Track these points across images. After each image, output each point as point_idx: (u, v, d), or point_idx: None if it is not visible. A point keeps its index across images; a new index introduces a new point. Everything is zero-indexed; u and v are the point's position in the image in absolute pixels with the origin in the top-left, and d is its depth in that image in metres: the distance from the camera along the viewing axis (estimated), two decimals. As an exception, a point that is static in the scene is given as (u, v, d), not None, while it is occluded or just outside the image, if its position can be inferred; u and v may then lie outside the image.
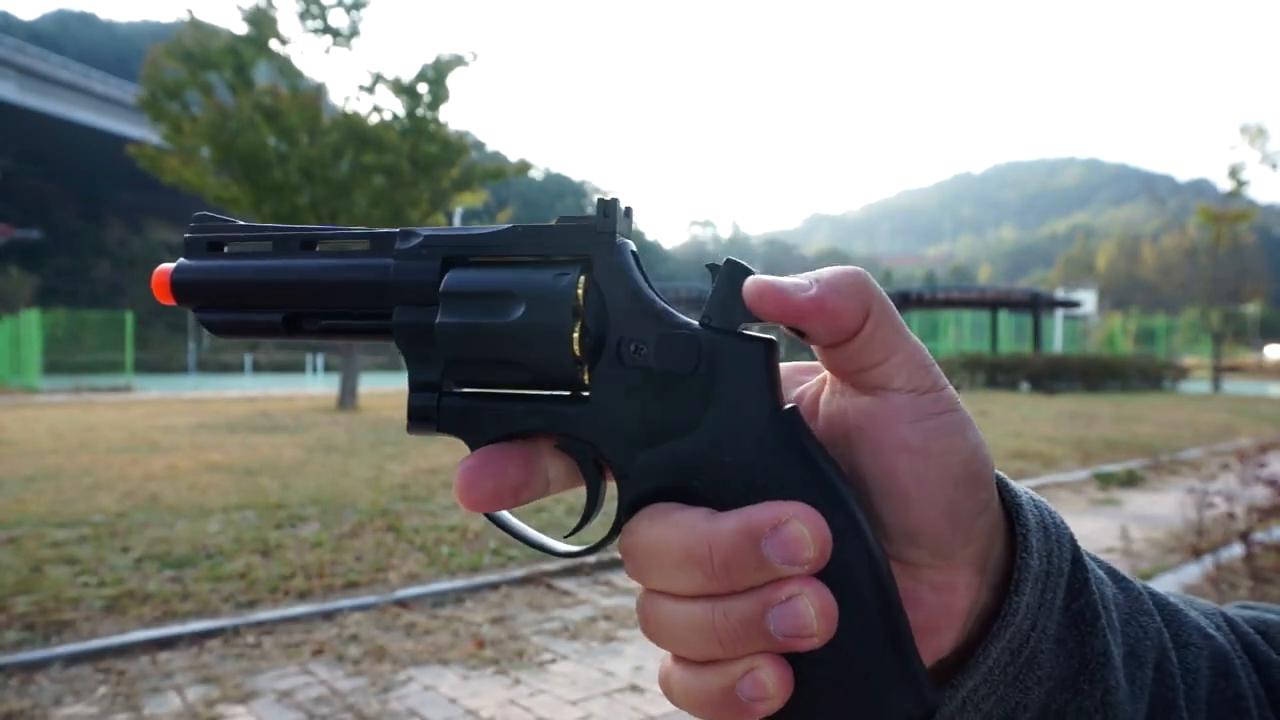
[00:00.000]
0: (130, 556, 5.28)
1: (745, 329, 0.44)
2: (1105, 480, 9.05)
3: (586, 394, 0.45)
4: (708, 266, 0.45)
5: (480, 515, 0.51)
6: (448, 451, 9.13)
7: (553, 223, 0.47)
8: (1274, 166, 32.79)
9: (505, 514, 0.49)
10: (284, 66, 16.56)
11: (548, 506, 6.45)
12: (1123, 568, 0.54)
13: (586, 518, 0.49)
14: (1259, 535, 5.25)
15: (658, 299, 0.45)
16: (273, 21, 16.12)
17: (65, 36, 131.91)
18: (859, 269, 0.43)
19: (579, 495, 0.48)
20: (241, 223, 0.54)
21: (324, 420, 13.90)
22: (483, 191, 18.62)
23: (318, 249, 0.52)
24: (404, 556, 5.48)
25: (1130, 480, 9.18)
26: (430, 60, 16.86)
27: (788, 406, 0.44)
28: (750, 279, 0.42)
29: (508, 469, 0.46)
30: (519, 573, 5.19)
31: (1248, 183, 32.67)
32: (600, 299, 0.45)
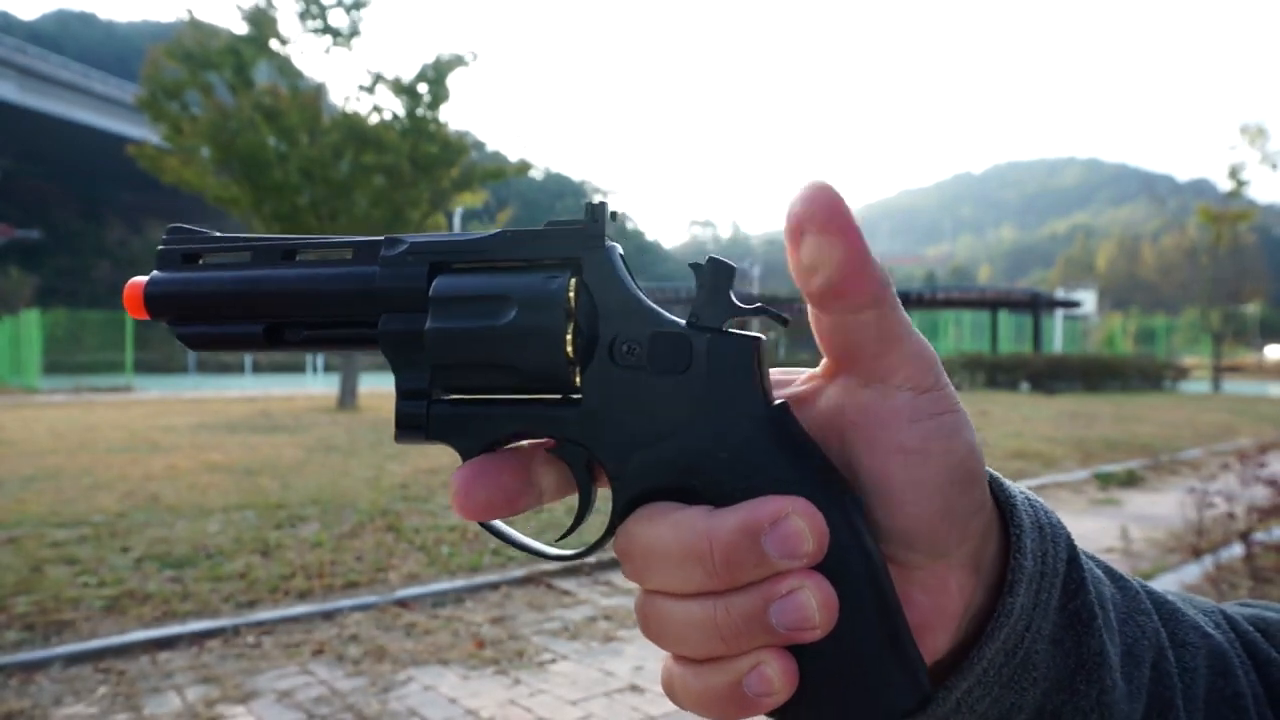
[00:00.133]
0: (130, 556, 5.28)
1: (731, 326, 0.44)
2: (1105, 480, 9.05)
3: (577, 396, 0.46)
4: (691, 266, 0.45)
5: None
6: (447, 452, 9.02)
7: (541, 227, 0.47)
8: (1274, 166, 32.78)
9: (498, 520, 0.48)
10: (284, 66, 16.55)
11: (548, 505, 6.44)
12: (1123, 568, 0.54)
13: (579, 520, 0.49)
14: (1259, 535, 5.25)
15: (646, 300, 0.45)
16: (273, 21, 16.11)
17: (65, 36, 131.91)
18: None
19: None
20: (217, 234, 0.54)
21: (324, 420, 13.90)
22: (483, 191, 18.61)
23: (298, 259, 0.52)
24: (404, 556, 5.49)
25: (1130, 480, 9.18)
26: (430, 60, 16.85)
27: (777, 402, 0.44)
28: (814, 191, 0.41)
29: (503, 478, 0.46)
30: (519, 573, 5.19)
31: (1248, 183, 32.66)
32: (591, 301, 0.45)
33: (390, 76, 16.83)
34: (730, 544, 0.40)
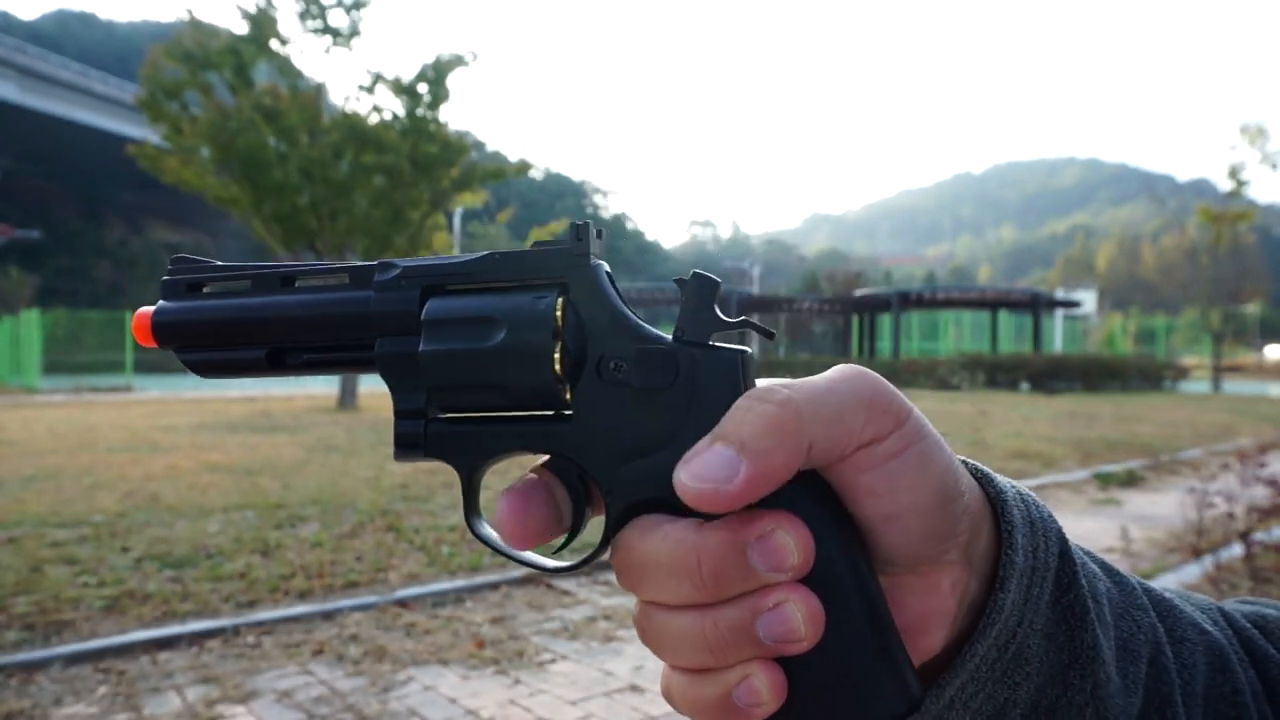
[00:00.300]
0: (130, 556, 5.28)
1: (717, 340, 0.45)
2: (1105, 480, 9.05)
3: (569, 412, 0.47)
4: (676, 281, 0.46)
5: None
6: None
7: (529, 248, 0.49)
8: (1274, 166, 32.76)
9: (495, 534, 0.50)
10: (284, 66, 16.56)
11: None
12: (1122, 568, 0.54)
13: (574, 533, 0.50)
14: (1259, 535, 5.25)
15: (633, 316, 0.47)
16: (273, 21, 16.12)
17: (65, 36, 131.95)
18: (782, 405, 0.41)
19: None
20: (219, 263, 0.56)
21: (324, 420, 13.90)
22: (483, 191, 18.63)
23: (297, 285, 0.53)
24: (404, 556, 5.49)
25: (1130, 480, 9.19)
26: (430, 60, 16.87)
27: None
28: (680, 488, 0.41)
29: (542, 508, 0.47)
30: (519, 573, 5.19)
31: (1248, 183, 32.66)
32: (578, 319, 0.47)
33: (390, 76, 16.85)
34: (718, 557, 0.41)
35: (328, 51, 17.19)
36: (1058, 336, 40.29)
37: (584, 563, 0.49)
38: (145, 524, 6.05)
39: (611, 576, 5.27)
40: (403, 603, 4.73)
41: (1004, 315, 36.50)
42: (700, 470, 0.40)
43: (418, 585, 4.98)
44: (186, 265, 0.56)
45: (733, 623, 0.41)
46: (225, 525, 6.08)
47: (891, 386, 0.43)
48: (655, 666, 3.84)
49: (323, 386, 25.78)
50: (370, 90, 16.91)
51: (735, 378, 0.44)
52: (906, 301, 34.74)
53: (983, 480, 0.48)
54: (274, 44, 16.32)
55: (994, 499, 0.47)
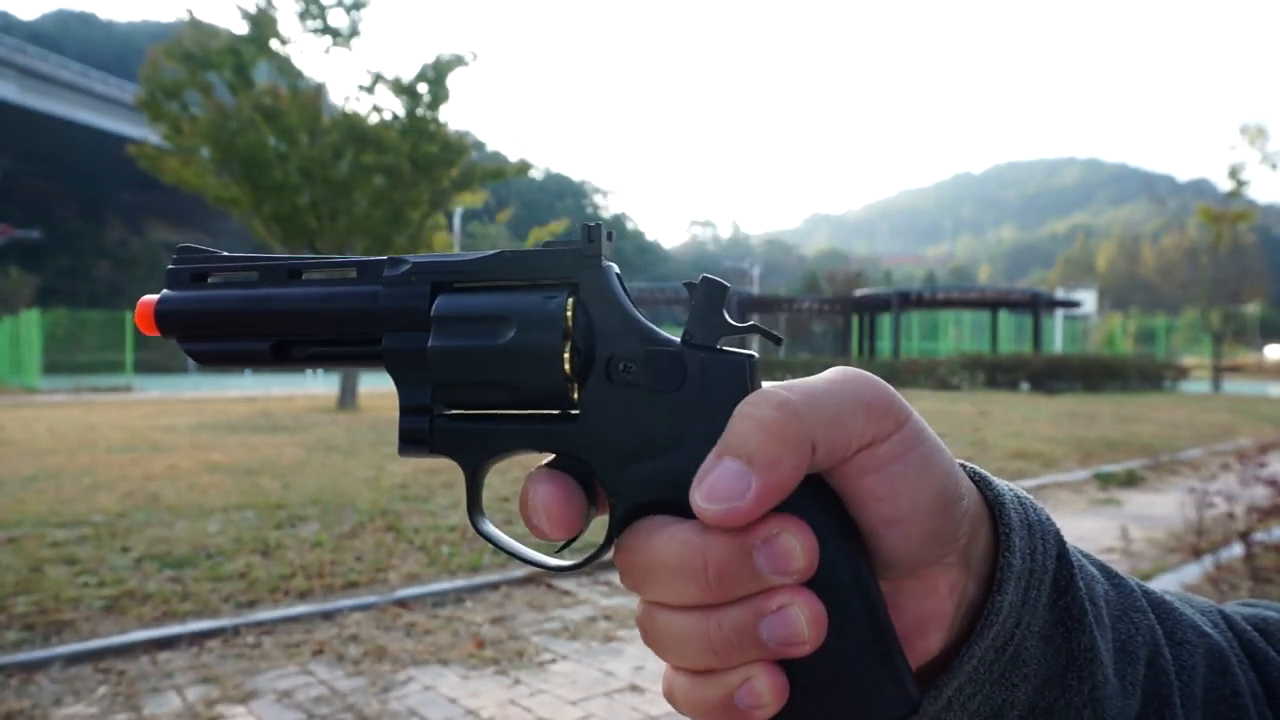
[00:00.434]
0: (130, 556, 5.28)
1: (725, 344, 0.46)
2: (1105, 480, 9.06)
3: (575, 412, 0.47)
4: (685, 285, 0.47)
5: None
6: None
7: (539, 247, 0.49)
8: (1274, 166, 32.76)
9: (498, 531, 0.50)
10: (284, 66, 16.56)
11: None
12: (1122, 568, 0.54)
13: (577, 532, 0.50)
14: (1259, 535, 5.25)
15: (642, 319, 0.47)
16: (273, 21, 16.12)
17: (65, 36, 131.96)
18: (781, 407, 0.41)
19: None
20: (225, 254, 0.55)
21: (324, 420, 13.90)
22: (483, 191, 18.64)
23: (303, 278, 0.53)
24: (404, 556, 5.49)
25: (1130, 480, 9.19)
26: (430, 60, 16.87)
27: None
28: (698, 511, 0.41)
29: (579, 493, 0.47)
30: (519, 573, 5.19)
31: (1248, 183, 32.66)
32: (588, 320, 0.47)
33: (390, 76, 16.84)
34: (724, 559, 0.41)
35: (328, 51, 17.20)
36: (1058, 336, 40.29)
37: (587, 562, 0.49)
38: (145, 524, 6.05)
39: (612, 576, 5.27)
40: (403, 603, 4.73)
41: (1004, 315, 36.50)
42: (713, 490, 0.40)
43: (418, 585, 4.98)
44: (192, 255, 0.56)
45: (736, 625, 0.41)
46: (225, 525, 6.08)
47: (891, 388, 0.43)
48: (655, 666, 3.84)
49: (323, 386, 25.79)
50: (370, 90, 16.91)
51: (743, 382, 0.44)
52: (906, 301, 34.74)
53: (980, 483, 0.48)
54: (274, 44, 16.32)
55: (991, 502, 0.47)
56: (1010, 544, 0.46)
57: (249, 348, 0.54)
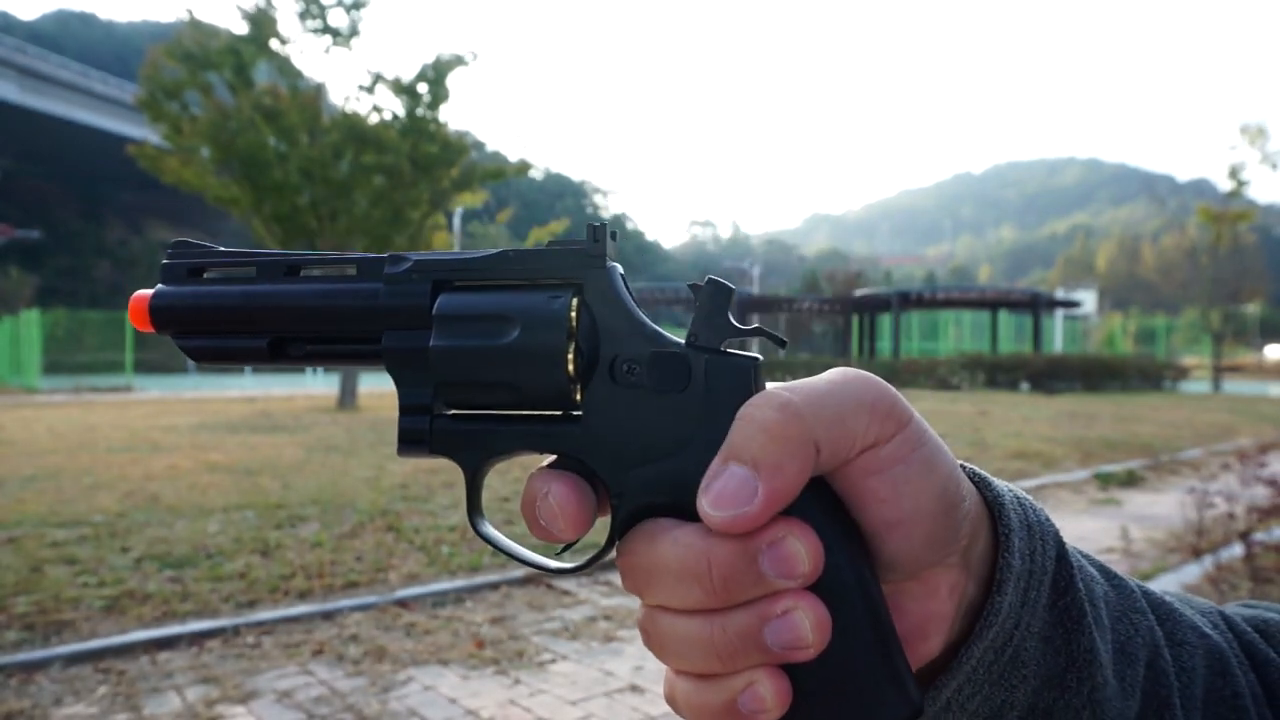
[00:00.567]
0: (130, 556, 5.28)
1: (730, 346, 0.45)
2: (1105, 480, 9.05)
3: (578, 413, 0.46)
4: (690, 286, 0.46)
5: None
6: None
7: (544, 247, 0.48)
8: (1274, 166, 32.78)
9: (498, 533, 0.49)
10: (284, 66, 16.56)
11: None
12: (1122, 568, 0.54)
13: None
14: (1259, 535, 5.24)
15: (647, 321, 0.46)
16: (273, 21, 16.12)
17: (65, 36, 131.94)
18: (783, 409, 0.41)
19: None
20: (222, 249, 0.54)
21: (324, 420, 13.90)
22: (483, 191, 18.63)
23: (302, 274, 0.52)
24: (404, 556, 5.49)
25: (1130, 480, 9.19)
26: (430, 60, 16.86)
27: None
28: (706, 518, 0.41)
29: (587, 496, 0.46)
30: (519, 573, 5.18)
31: (1248, 183, 32.67)
32: (592, 320, 0.46)
33: (390, 76, 16.84)
34: (728, 563, 0.41)
35: (327, 51, 17.19)
36: (1058, 336, 40.28)
37: (588, 564, 0.48)
38: (145, 524, 6.05)
39: (612, 577, 5.27)
40: (403, 603, 4.73)
41: (1004, 315, 36.49)
42: (720, 497, 0.40)
43: (418, 585, 4.98)
44: (187, 249, 0.55)
45: (740, 629, 0.41)
46: (225, 525, 6.08)
47: (893, 390, 0.43)
48: (655, 667, 3.84)
49: (323, 386, 25.79)
50: (370, 90, 16.90)
51: (747, 384, 0.44)
52: (906, 301, 34.74)
53: (980, 484, 0.48)
54: (274, 44, 16.31)
55: (991, 503, 0.47)
56: (1010, 545, 0.45)
57: (246, 344, 0.53)
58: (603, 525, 0.48)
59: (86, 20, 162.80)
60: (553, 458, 0.48)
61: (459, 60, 17.06)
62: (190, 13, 16.13)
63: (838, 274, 65.66)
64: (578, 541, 0.48)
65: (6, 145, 62.39)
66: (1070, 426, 13.85)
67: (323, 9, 16.72)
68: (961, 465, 0.47)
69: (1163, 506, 7.73)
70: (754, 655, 0.41)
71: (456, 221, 32.95)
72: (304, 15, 16.67)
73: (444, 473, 8.06)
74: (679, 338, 0.46)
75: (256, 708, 3.50)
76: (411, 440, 0.49)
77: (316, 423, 13.41)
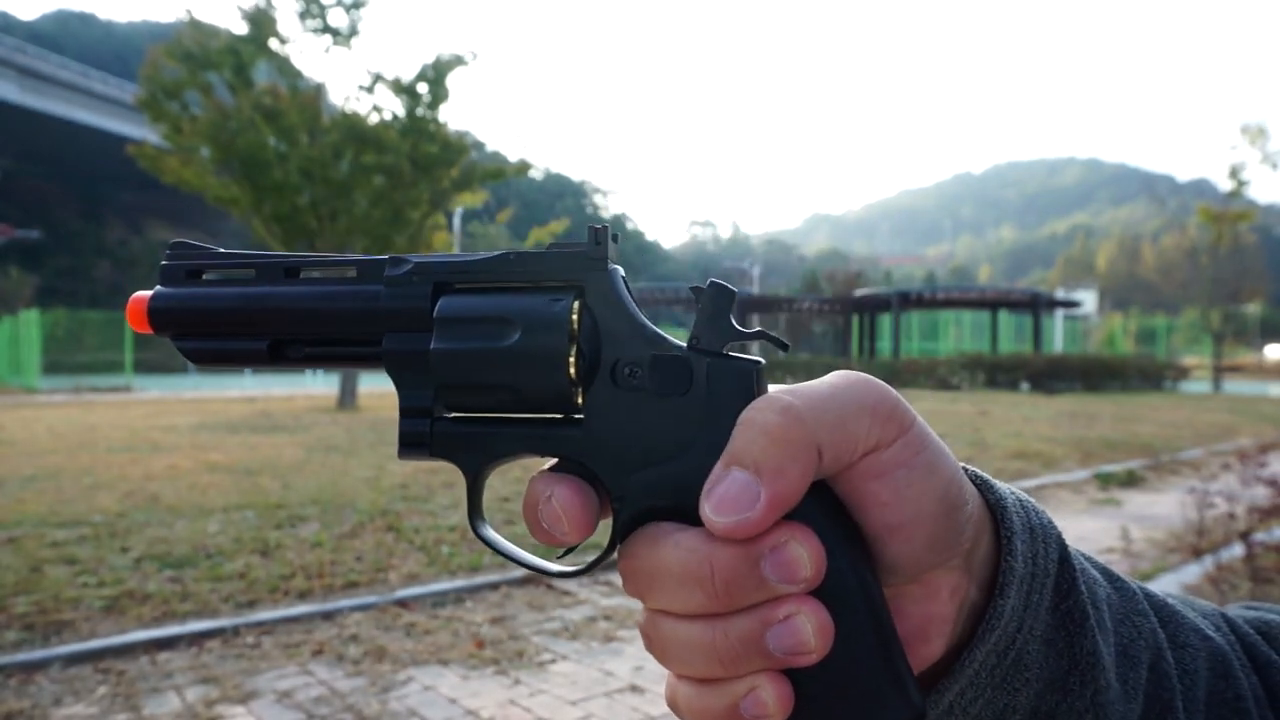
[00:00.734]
0: (130, 556, 5.28)
1: (731, 349, 0.45)
2: (1105, 480, 9.05)
3: (579, 416, 0.46)
4: (692, 289, 0.46)
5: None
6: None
7: (545, 249, 0.48)
8: (1274, 166, 32.78)
9: (499, 536, 0.49)
10: (284, 66, 16.56)
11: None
12: (1123, 568, 0.54)
13: None
14: (1259, 535, 5.24)
15: (649, 323, 0.46)
16: (272, 21, 16.12)
17: (65, 36, 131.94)
18: (784, 413, 0.41)
19: None
20: (221, 250, 0.54)
21: (324, 420, 13.90)
22: (483, 191, 18.63)
23: (302, 276, 0.52)
24: (404, 556, 5.49)
25: (1130, 480, 9.18)
26: (430, 60, 16.86)
27: None
28: (709, 524, 0.41)
29: (592, 499, 0.46)
30: (519, 573, 5.18)
31: (1248, 183, 32.67)
32: (594, 323, 0.46)
33: (390, 76, 16.84)
34: (731, 567, 0.40)
35: (327, 51, 17.19)
36: (1058, 336, 40.28)
37: (589, 568, 0.48)
38: (145, 524, 6.05)
39: (612, 577, 5.27)
40: (403, 603, 4.73)
41: (1004, 315, 36.49)
42: (722, 503, 0.40)
43: (418, 585, 4.98)
44: (186, 250, 0.54)
45: (743, 634, 0.40)
46: (225, 525, 6.07)
47: (894, 393, 0.43)
48: (655, 667, 3.84)
49: (323, 386, 25.79)
50: (370, 90, 16.90)
51: (749, 387, 0.44)
52: (906, 301, 34.73)
53: (982, 487, 0.47)
54: (274, 44, 16.31)
55: (993, 505, 0.47)
56: (1012, 548, 0.45)
57: (245, 346, 0.52)
58: (604, 528, 0.48)
59: (86, 20, 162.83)
60: (554, 461, 0.47)
61: (459, 60, 17.06)
62: (190, 13, 16.14)
63: (838, 274, 65.64)
64: (579, 545, 0.47)
65: (6, 145, 62.40)
66: (1070, 426, 13.85)
67: (323, 9, 16.72)
68: (964, 467, 0.47)
69: (1163, 506, 7.73)
70: (756, 660, 0.40)
71: (456, 221, 32.95)
72: (304, 15, 16.67)
73: (444, 473, 8.06)
74: (680, 339, 0.46)
75: (256, 708, 3.50)
76: (412, 443, 0.49)
77: (316, 423, 13.41)
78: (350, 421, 13.61)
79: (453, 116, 37.01)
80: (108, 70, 67.22)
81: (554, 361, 0.45)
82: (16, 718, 3.39)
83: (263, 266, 0.52)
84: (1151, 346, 44.27)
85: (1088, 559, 0.52)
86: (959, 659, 0.45)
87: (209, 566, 5.13)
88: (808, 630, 0.40)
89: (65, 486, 7.39)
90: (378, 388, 20.03)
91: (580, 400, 0.46)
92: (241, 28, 15.98)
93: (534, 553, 0.50)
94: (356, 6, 16.98)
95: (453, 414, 0.49)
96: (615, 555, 0.46)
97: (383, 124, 16.71)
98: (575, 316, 0.46)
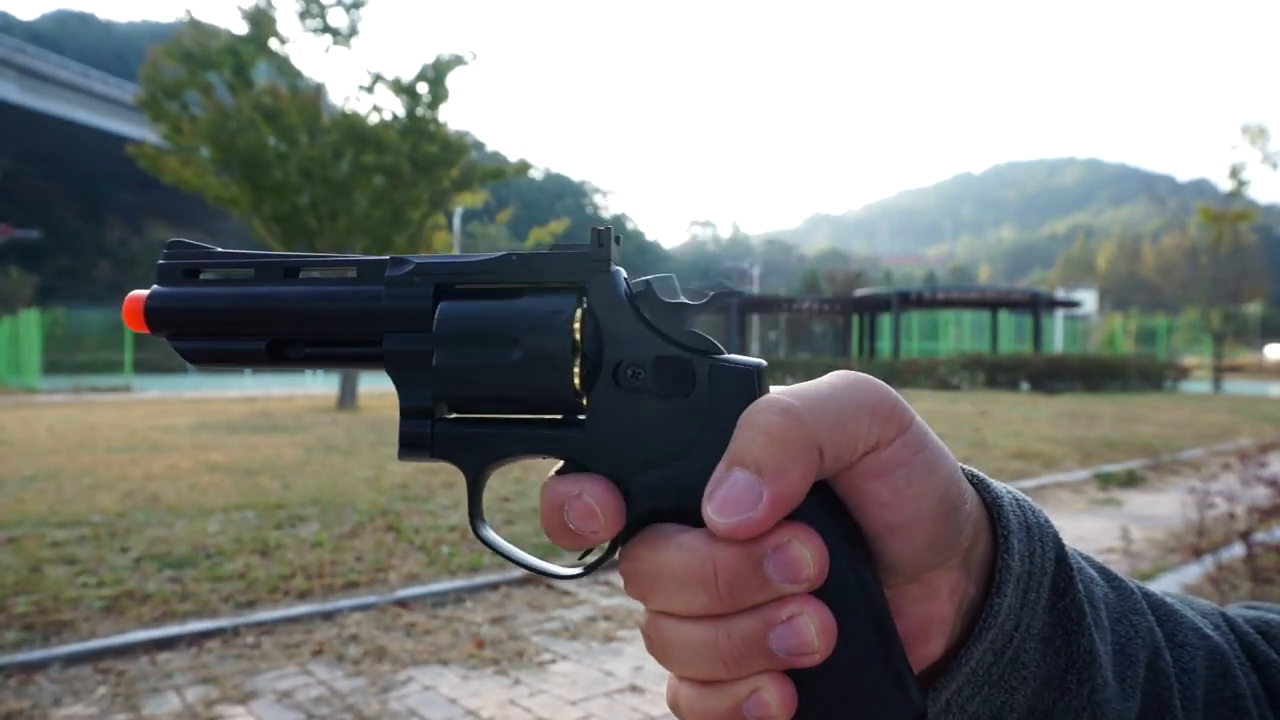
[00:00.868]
0: (130, 556, 5.28)
1: (690, 319, 0.46)
2: (1105, 480, 9.05)
3: (582, 417, 0.46)
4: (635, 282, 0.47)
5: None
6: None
7: (547, 250, 0.48)
8: (1274, 166, 32.78)
9: (499, 537, 0.49)
10: (284, 66, 16.56)
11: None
12: (1123, 568, 0.54)
13: None
14: (1259, 535, 5.24)
15: (651, 324, 0.46)
16: (272, 21, 16.12)
17: (65, 36, 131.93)
18: (785, 413, 0.41)
19: None
20: (219, 249, 0.53)
21: (324, 420, 13.90)
22: (483, 191, 18.64)
23: (301, 276, 0.52)
24: (404, 556, 5.48)
25: (1130, 480, 9.18)
26: (430, 60, 16.87)
27: None
28: (711, 525, 0.41)
29: (619, 493, 0.45)
30: (519, 573, 5.18)
31: (1248, 183, 32.68)
32: (596, 325, 0.46)
33: (390, 76, 16.84)
34: (733, 568, 0.40)
35: (327, 51, 17.20)
36: (1058, 336, 40.28)
37: (591, 569, 0.48)
38: (145, 524, 6.05)
39: (612, 577, 5.27)
40: (403, 603, 4.73)
41: (1004, 315, 36.48)
42: (725, 503, 0.40)
43: (418, 585, 4.98)
44: (184, 250, 0.54)
45: (746, 634, 0.40)
46: (225, 525, 6.07)
47: (894, 392, 0.43)
48: (655, 667, 3.84)
49: (323, 386, 25.79)
50: (370, 90, 16.91)
51: (751, 389, 0.44)
52: (906, 301, 34.72)
53: (979, 486, 0.48)
54: (273, 44, 16.31)
55: (990, 505, 0.47)
56: (1009, 546, 0.45)
57: (243, 347, 0.52)
58: None
59: (86, 20, 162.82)
60: (559, 464, 0.47)
61: (459, 60, 17.06)
62: (190, 13, 16.14)
63: (838, 274, 65.68)
64: (595, 548, 0.47)
65: (6, 145, 62.42)
66: (1070, 426, 13.85)
67: (322, 9, 16.72)
68: (960, 467, 0.47)
69: (1163, 506, 7.73)
70: (759, 661, 0.40)
71: (456, 221, 32.95)
72: (304, 15, 16.67)
73: (444, 473, 8.06)
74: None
75: (256, 708, 3.50)
76: (413, 444, 0.48)
77: (316, 423, 13.41)
78: (350, 421, 13.60)
79: (453, 116, 37.04)
80: (108, 70, 67.23)
81: (556, 364, 0.45)
82: (16, 718, 3.39)
83: (261, 266, 0.52)
84: (1151, 346, 44.26)
85: (1085, 558, 0.52)
86: (956, 657, 0.45)
87: (209, 566, 5.13)
88: (811, 631, 0.40)
89: (65, 486, 7.39)
90: (378, 388, 20.02)
91: (583, 402, 0.46)
92: (241, 28, 16.00)
93: (533, 554, 0.50)
94: (356, 6, 16.98)
95: (453, 415, 0.49)
96: (616, 557, 0.46)
97: (383, 124, 16.72)
98: (578, 324, 0.46)
